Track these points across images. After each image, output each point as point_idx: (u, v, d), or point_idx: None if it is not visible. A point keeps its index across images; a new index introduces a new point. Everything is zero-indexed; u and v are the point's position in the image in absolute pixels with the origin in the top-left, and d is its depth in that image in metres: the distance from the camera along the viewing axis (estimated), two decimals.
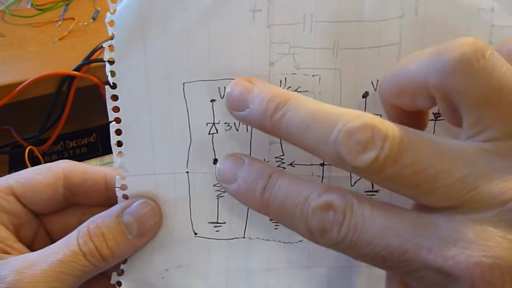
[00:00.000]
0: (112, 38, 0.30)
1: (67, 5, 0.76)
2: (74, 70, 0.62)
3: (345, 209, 0.24)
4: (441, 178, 0.23)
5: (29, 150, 0.62)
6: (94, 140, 0.68)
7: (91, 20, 0.73)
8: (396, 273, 0.26)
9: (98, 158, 0.65)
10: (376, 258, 0.24)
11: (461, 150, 0.24)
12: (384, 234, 0.24)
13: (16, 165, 0.64)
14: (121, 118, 0.31)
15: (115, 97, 0.31)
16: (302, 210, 0.26)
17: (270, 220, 0.33)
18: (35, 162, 0.62)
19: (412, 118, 0.26)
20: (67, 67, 0.62)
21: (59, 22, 0.73)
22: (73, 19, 0.73)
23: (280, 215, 0.27)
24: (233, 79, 0.31)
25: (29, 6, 0.76)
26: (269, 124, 0.27)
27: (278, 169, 0.29)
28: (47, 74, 0.61)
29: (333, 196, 0.25)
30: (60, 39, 0.69)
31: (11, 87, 0.60)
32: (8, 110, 0.60)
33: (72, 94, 0.63)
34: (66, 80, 0.63)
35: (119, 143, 0.31)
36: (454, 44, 0.23)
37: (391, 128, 0.24)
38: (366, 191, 0.32)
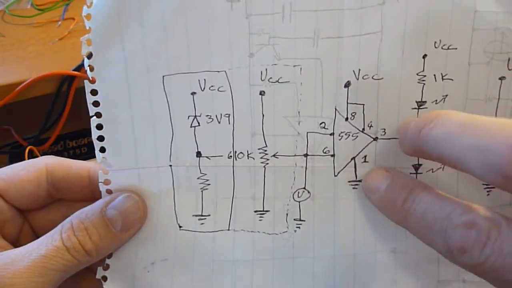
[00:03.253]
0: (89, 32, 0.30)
1: (67, 5, 0.76)
2: (74, 70, 0.62)
3: (489, 229, 0.24)
4: None
5: (29, 150, 0.62)
6: None
7: None
8: None
9: None
10: None
11: None
12: None
13: None
14: (101, 112, 0.31)
15: (95, 92, 0.31)
16: (442, 225, 0.26)
17: (255, 211, 0.33)
18: None
19: None
20: (67, 67, 0.62)
21: (59, 22, 0.73)
22: (73, 19, 0.73)
23: (419, 228, 0.27)
24: (213, 71, 0.30)
25: (29, 6, 0.76)
26: None
27: (422, 183, 0.29)
28: (47, 74, 0.61)
29: (477, 215, 0.24)
30: (60, 39, 0.69)
31: (11, 87, 0.60)
32: (8, 110, 0.60)
33: (72, 94, 0.63)
34: (66, 80, 0.63)
35: (101, 138, 0.31)
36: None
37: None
38: (349, 181, 0.32)
